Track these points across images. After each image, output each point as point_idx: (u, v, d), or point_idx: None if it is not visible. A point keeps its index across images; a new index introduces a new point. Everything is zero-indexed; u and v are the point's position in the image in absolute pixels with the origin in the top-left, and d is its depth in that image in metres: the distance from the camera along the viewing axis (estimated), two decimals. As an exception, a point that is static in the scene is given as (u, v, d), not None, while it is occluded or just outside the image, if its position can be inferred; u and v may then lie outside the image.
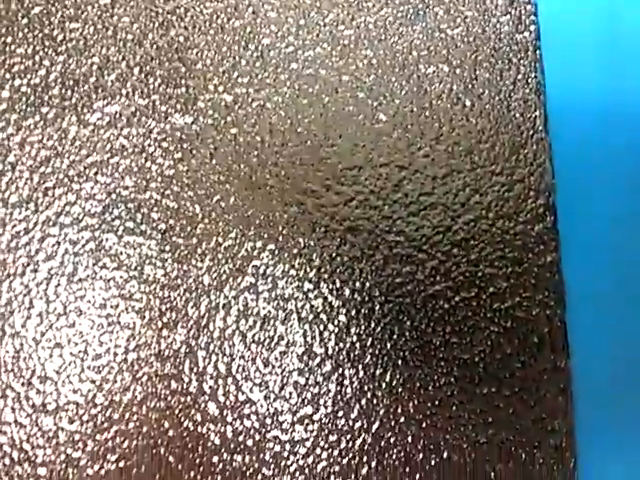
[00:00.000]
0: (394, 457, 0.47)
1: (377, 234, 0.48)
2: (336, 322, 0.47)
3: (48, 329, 0.48)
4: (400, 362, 0.47)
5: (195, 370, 0.47)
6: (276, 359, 0.47)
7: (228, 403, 0.47)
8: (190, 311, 0.48)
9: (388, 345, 0.47)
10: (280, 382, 0.47)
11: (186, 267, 0.48)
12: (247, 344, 0.47)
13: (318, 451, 0.47)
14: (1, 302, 0.48)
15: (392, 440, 0.47)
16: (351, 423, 0.47)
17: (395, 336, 0.47)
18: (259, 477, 0.46)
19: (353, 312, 0.48)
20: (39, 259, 0.48)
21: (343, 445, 0.47)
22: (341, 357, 0.47)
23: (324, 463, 0.47)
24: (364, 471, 0.47)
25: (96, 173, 0.49)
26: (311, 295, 0.48)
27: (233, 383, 0.47)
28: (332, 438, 0.47)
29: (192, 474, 0.47)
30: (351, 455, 0.47)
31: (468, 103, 0.49)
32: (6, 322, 0.48)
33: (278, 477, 0.47)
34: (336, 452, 0.47)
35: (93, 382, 0.47)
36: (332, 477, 0.47)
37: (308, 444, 0.47)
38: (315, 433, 0.47)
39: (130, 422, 0.47)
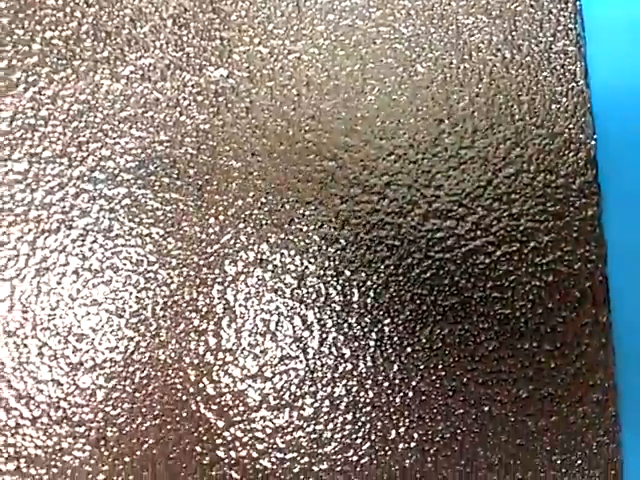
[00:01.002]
0: (435, 412, 0.46)
1: (416, 189, 0.47)
2: (375, 277, 0.47)
3: (84, 286, 0.47)
4: (440, 317, 0.47)
5: (233, 326, 0.47)
6: (314, 315, 0.47)
7: (267, 359, 0.47)
8: (227, 267, 0.47)
9: (428, 300, 0.47)
10: (319, 338, 0.47)
11: (223, 223, 0.47)
12: (285, 300, 0.47)
13: (359, 406, 0.46)
14: (36, 259, 0.47)
15: (433, 395, 0.46)
16: (391, 378, 0.46)
17: (435, 291, 0.47)
18: (299, 433, 0.46)
19: (392, 268, 0.47)
20: (74, 215, 0.47)
21: (383, 400, 0.46)
22: (381, 312, 0.47)
23: (364, 419, 0.46)
24: (405, 426, 0.46)
25: (130, 127, 0.48)
26: (349, 250, 0.47)
27: (272, 340, 0.47)
28: (372, 394, 0.46)
29: (231, 431, 0.46)
30: (392, 410, 0.46)
31: (508, 55, 0.48)
32: (41, 279, 0.47)
33: (318, 433, 0.46)
34: (376, 408, 0.46)
35: (130, 339, 0.47)
36: (372, 434, 0.46)
37: (348, 400, 0.46)
38: (355, 389, 0.46)
39: (168, 379, 0.46)
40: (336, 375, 0.47)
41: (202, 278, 0.47)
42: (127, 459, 0.46)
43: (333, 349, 0.47)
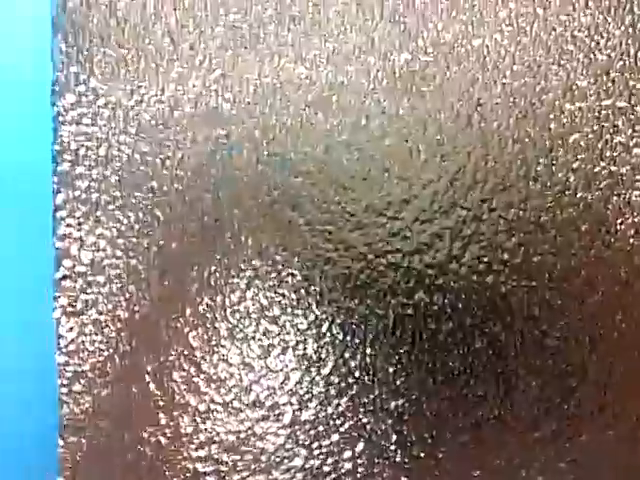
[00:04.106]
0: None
1: (602, 167, 0.48)
2: (560, 265, 0.47)
3: (278, 270, 0.47)
4: (611, 314, 0.47)
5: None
6: (485, 297, 0.47)
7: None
8: (431, 253, 0.47)
9: (616, 289, 0.47)
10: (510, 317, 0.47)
11: (408, 208, 0.48)
12: (477, 282, 0.47)
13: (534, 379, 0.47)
14: (207, 235, 0.47)
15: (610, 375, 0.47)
16: (586, 355, 0.47)
17: (620, 282, 0.47)
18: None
19: (577, 247, 0.48)
20: (259, 198, 0.47)
21: (570, 371, 0.47)
22: (572, 295, 0.47)
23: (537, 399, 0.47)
24: (579, 397, 0.47)
25: (316, 113, 0.48)
26: (533, 231, 0.48)
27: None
28: (561, 369, 0.47)
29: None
30: (574, 385, 0.47)
31: (682, 43, 0.50)
32: (229, 262, 0.47)
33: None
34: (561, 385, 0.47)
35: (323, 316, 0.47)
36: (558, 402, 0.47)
37: (508, 372, 0.47)
38: (544, 359, 0.47)
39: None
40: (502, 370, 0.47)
41: (402, 264, 0.47)
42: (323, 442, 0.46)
43: (524, 327, 0.47)
